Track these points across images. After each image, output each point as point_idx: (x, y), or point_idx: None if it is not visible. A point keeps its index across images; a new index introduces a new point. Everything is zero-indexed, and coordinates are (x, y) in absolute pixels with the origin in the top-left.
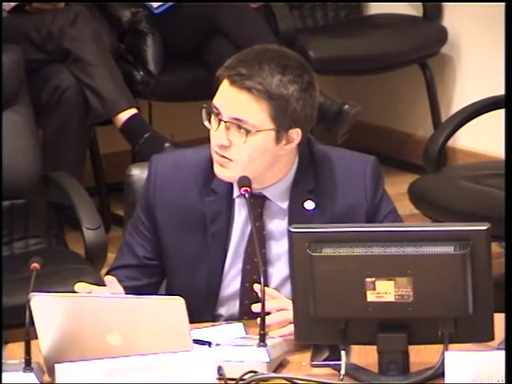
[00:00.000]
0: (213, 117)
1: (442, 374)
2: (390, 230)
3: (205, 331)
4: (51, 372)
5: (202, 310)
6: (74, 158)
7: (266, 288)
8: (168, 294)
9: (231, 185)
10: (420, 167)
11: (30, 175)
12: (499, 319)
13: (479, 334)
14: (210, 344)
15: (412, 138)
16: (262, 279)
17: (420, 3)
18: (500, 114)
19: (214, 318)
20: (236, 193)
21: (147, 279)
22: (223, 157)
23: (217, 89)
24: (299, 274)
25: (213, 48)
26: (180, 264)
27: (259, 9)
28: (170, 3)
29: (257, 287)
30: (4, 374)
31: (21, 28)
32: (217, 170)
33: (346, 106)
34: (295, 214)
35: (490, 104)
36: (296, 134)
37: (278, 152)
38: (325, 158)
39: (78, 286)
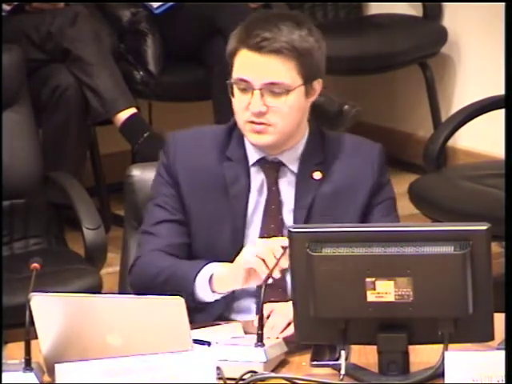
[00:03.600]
0: (238, 91)
1: (442, 374)
2: (390, 229)
3: (204, 331)
4: (51, 372)
5: None
6: (74, 158)
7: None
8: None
9: (245, 152)
10: (420, 167)
11: (30, 175)
12: (499, 319)
13: (479, 334)
14: (209, 344)
15: (412, 138)
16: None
17: (420, 3)
18: (500, 114)
19: None
20: (251, 161)
21: (186, 238)
22: (261, 123)
23: (232, 66)
24: (299, 273)
25: (213, 48)
26: (204, 226)
27: (259, 9)
28: (170, 3)
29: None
30: (4, 374)
31: (21, 28)
32: (253, 138)
33: (346, 106)
34: (303, 182)
35: (490, 104)
36: (318, 85)
37: (306, 106)
38: (335, 135)
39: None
